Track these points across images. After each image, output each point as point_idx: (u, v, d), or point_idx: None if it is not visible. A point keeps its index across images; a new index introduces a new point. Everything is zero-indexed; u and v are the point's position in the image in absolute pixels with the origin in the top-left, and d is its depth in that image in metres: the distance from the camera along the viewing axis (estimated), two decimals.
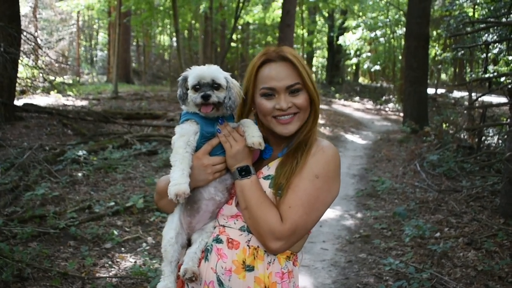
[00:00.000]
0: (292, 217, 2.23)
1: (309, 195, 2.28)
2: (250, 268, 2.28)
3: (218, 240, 2.37)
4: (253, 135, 2.37)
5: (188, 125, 2.39)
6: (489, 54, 14.10)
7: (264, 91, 2.42)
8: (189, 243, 2.44)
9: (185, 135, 2.36)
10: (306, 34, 37.02)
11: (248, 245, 2.32)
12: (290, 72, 2.42)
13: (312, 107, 2.49)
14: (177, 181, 2.22)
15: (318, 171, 2.32)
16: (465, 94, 18.91)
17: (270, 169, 2.44)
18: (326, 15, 38.80)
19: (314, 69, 49.35)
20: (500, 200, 7.94)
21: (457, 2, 17.33)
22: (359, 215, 8.47)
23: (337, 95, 32.35)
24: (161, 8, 27.52)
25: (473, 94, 13.14)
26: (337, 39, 36.28)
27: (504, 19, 10.04)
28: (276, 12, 32.02)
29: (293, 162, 2.36)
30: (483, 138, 11.77)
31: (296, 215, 2.24)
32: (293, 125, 2.43)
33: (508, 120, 8.16)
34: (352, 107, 28.18)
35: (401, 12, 28.73)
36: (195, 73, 2.36)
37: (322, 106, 21.94)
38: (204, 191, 2.39)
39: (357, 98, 32.73)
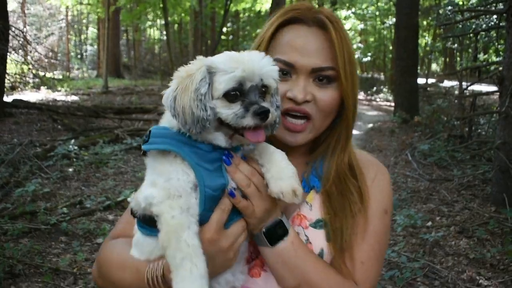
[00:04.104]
0: (370, 275, 1.71)
1: (380, 239, 1.75)
2: None
3: None
4: (281, 175, 1.54)
5: (176, 170, 1.51)
6: (479, 43, 14.13)
7: (278, 64, 1.60)
8: None
9: (175, 195, 1.48)
10: None
11: None
12: (325, 48, 1.70)
13: (343, 112, 1.77)
14: None
15: (386, 203, 1.78)
16: (455, 83, 19.01)
17: (313, 208, 1.76)
18: (316, 6, 38.80)
19: None
20: (491, 189, 7.96)
21: None
22: None
23: None
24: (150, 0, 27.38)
25: (463, 83, 13.18)
26: None
27: (493, 8, 10.04)
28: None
29: (348, 196, 1.73)
30: (474, 127, 11.81)
31: (373, 271, 1.72)
32: (304, 136, 1.75)
33: (498, 108, 8.17)
34: None
35: (391, 2, 28.73)
36: (232, 65, 1.50)
37: None
38: (222, 278, 1.65)
39: None
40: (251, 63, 1.49)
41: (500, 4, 10.08)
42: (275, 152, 1.58)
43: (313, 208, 1.73)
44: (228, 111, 1.47)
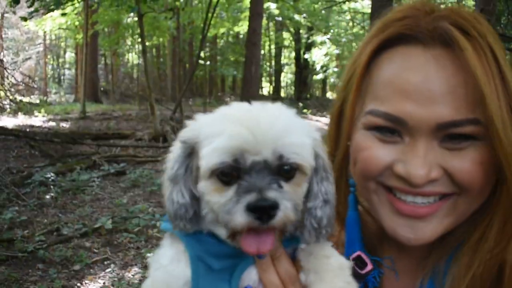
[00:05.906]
0: None
1: None
2: None
3: None
4: None
5: (171, 256, 1.12)
6: None
7: (374, 120, 1.04)
8: None
9: None
10: (273, 51, 37.50)
11: None
12: (461, 85, 1.00)
13: (503, 189, 1.05)
14: None
15: None
16: None
17: None
18: (293, 31, 39.37)
19: (283, 84, 49.74)
20: None
21: None
22: None
23: (304, 110, 32.73)
24: (128, 24, 27.54)
25: None
26: (304, 54, 36.86)
27: None
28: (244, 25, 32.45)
29: None
30: None
31: None
32: (433, 224, 1.06)
33: None
34: (323, 122, 28.53)
35: (366, 28, 29.36)
36: (223, 127, 0.98)
37: None
38: None
39: (324, 113, 33.13)
40: (255, 124, 0.94)
41: None
42: (333, 260, 1.02)
43: None
44: (218, 199, 0.98)
